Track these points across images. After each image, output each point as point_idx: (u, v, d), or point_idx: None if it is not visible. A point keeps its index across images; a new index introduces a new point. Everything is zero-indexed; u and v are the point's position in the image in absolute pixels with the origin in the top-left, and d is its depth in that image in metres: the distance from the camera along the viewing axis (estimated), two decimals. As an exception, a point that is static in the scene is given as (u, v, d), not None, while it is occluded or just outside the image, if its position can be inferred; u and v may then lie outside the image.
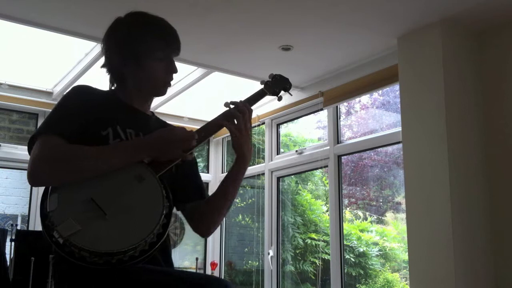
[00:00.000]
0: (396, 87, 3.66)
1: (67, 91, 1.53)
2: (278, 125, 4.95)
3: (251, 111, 1.60)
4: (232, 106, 1.59)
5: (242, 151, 1.59)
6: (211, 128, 1.57)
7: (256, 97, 1.67)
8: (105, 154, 1.39)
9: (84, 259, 1.28)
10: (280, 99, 1.76)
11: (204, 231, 1.65)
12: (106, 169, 1.37)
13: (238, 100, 1.61)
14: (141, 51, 1.52)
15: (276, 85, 1.73)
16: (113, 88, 1.61)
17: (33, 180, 1.37)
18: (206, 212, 1.62)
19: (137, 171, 1.40)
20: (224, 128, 1.58)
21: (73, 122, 1.44)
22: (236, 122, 1.57)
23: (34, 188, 4.70)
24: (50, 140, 1.39)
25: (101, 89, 1.58)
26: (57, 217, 1.30)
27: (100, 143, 1.43)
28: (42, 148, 1.38)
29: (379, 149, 4.77)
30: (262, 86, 1.70)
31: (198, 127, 1.56)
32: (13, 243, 2.76)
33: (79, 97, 1.50)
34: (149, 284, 1.34)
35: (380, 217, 5.42)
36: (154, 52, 1.54)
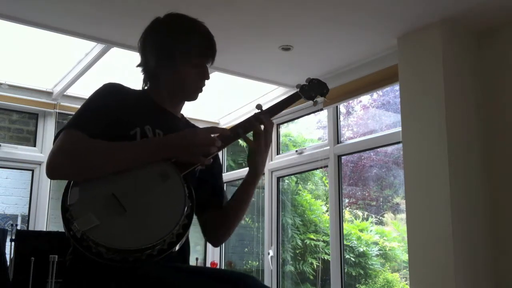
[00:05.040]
0: (396, 87, 3.66)
1: (98, 87, 1.50)
2: (278, 125, 4.94)
3: (272, 125, 1.54)
4: (260, 110, 1.52)
5: (256, 168, 1.55)
6: (232, 136, 1.52)
7: (289, 101, 1.62)
8: (124, 151, 1.36)
9: (101, 254, 1.26)
10: (315, 104, 1.69)
11: (215, 242, 1.67)
12: (125, 167, 1.35)
13: (266, 108, 1.55)
14: (178, 56, 1.52)
15: (313, 89, 1.66)
16: (145, 88, 1.60)
17: (52, 173, 1.35)
18: (218, 224, 1.61)
19: (162, 169, 1.37)
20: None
21: (100, 120, 1.42)
22: (257, 137, 1.52)
23: (34, 188, 4.70)
24: (73, 135, 1.37)
25: (132, 88, 1.56)
26: (77, 210, 1.28)
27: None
28: (64, 142, 1.36)
29: (378, 149, 4.77)
30: (297, 90, 1.65)
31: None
32: (13, 243, 2.76)
33: (109, 95, 1.48)
34: (186, 285, 1.30)
35: (380, 217, 5.42)
36: (190, 58, 1.53)
